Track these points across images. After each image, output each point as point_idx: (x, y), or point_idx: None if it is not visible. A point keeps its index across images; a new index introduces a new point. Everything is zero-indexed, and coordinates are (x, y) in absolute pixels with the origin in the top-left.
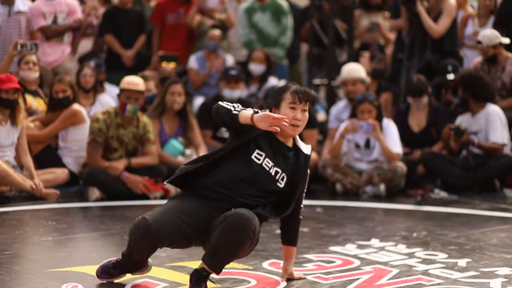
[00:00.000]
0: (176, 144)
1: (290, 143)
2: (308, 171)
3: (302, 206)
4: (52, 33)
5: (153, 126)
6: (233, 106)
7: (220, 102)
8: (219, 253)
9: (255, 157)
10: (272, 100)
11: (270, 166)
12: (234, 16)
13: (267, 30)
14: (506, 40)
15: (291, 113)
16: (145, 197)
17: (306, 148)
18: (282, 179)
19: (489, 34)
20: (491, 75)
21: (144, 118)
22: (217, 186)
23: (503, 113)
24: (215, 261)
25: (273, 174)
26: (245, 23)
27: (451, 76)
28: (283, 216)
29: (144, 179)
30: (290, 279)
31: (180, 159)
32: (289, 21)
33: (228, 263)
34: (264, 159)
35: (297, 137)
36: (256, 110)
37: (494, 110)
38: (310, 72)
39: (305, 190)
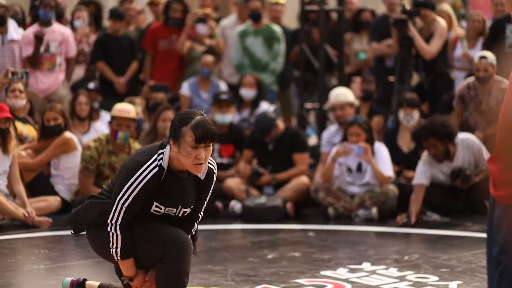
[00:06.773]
0: None
1: (186, 174)
2: (212, 186)
3: (200, 214)
4: (34, 63)
5: None
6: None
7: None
8: None
9: (154, 210)
10: (172, 132)
11: (174, 211)
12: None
13: (258, 55)
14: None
15: (193, 152)
16: None
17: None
18: (190, 209)
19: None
20: (479, 98)
21: (136, 145)
22: None
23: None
24: None
25: (180, 215)
26: (238, 46)
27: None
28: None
29: None
30: None
31: None
32: (281, 47)
33: None
34: (164, 209)
35: None
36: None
37: (473, 141)
38: (301, 97)
39: (205, 202)
